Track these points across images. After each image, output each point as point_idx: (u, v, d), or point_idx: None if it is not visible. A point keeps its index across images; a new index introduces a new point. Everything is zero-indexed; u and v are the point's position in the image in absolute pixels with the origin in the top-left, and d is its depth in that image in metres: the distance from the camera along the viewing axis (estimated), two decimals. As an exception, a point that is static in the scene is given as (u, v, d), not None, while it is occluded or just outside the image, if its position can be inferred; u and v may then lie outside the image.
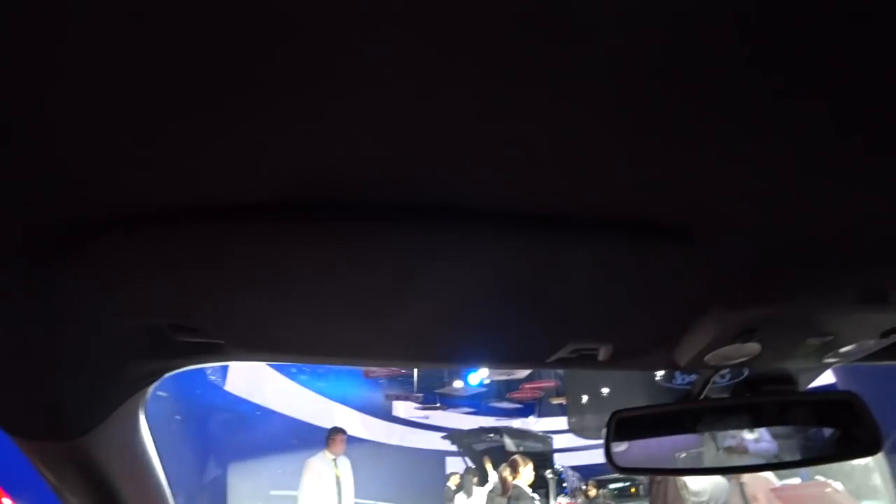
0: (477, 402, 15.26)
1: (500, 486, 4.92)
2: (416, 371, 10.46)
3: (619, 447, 0.63)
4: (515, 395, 12.99)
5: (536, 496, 4.82)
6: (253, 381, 9.00)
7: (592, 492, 4.81)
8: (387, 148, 0.41)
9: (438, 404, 11.93)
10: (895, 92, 0.35)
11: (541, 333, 0.67)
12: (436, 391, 12.43)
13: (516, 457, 5.13)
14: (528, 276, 0.55)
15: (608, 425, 0.63)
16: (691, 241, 0.51)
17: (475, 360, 0.64)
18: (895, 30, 0.30)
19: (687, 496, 4.37)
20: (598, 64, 0.33)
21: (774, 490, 3.02)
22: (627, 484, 7.46)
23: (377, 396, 11.69)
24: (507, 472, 4.74)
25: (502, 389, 13.53)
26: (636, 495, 7.03)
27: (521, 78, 0.34)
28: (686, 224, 0.50)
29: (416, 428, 13.97)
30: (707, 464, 0.70)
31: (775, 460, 0.68)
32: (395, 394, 11.17)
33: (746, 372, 0.64)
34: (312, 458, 3.96)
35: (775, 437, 0.63)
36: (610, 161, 0.43)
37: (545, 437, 7.70)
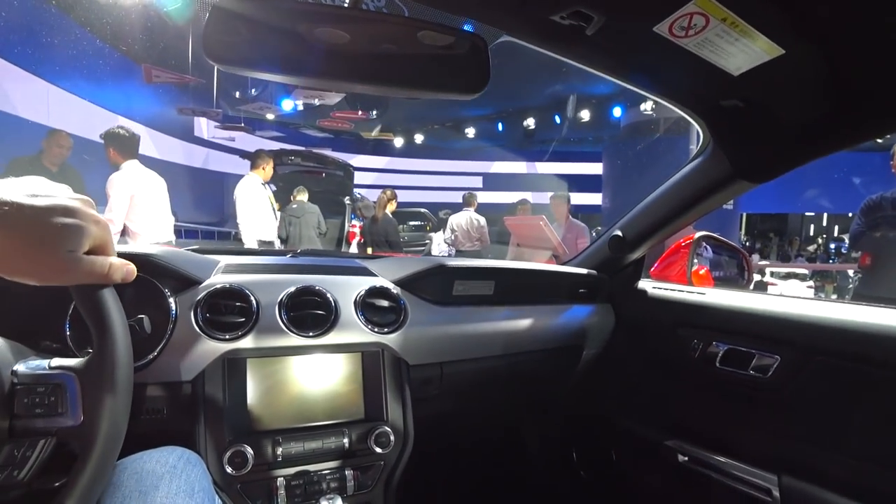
0: (286, 128, 14.87)
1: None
2: (215, 79, 9.29)
3: (222, 37, 0.54)
4: (325, 123, 12.99)
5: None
6: None
7: (392, 205, 5.48)
8: None
9: (242, 124, 11.24)
10: None
11: None
12: (239, 108, 11.58)
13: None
14: None
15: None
16: None
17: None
18: None
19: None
20: None
21: (506, 219, 4.09)
22: (424, 223, 9.00)
23: (170, 111, 10.39)
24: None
25: (313, 116, 13.29)
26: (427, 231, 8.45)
27: None
28: None
29: (221, 151, 13.34)
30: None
31: (382, 78, 0.64)
32: (189, 108, 9.88)
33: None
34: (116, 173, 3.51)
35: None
36: None
37: (345, 164, 8.14)
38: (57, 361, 0.51)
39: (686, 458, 1.16)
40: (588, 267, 1.38)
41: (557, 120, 14.17)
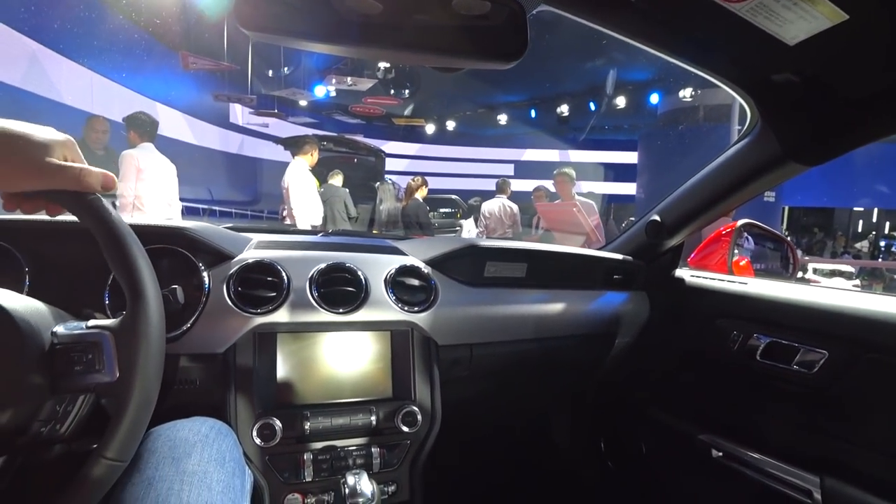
0: (318, 115, 15.04)
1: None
2: (249, 66, 9.46)
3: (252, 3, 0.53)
4: (357, 109, 13.06)
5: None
6: (33, 66, 7.22)
7: (423, 192, 5.50)
8: None
9: (276, 110, 11.43)
10: None
11: None
12: (273, 94, 11.76)
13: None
14: None
15: None
16: None
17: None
18: None
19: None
20: None
21: (538, 205, 4.03)
22: (454, 210, 9.01)
23: (206, 98, 10.65)
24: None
25: (345, 102, 13.37)
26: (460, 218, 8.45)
27: None
28: None
29: (256, 137, 13.62)
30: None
31: (415, 46, 0.60)
32: (225, 94, 10.14)
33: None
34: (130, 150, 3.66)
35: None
36: None
37: (377, 150, 8.19)
38: (93, 322, 0.53)
39: (721, 454, 1.12)
40: (623, 253, 1.34)
41: (592, 107, 13.84)
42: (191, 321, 0.85)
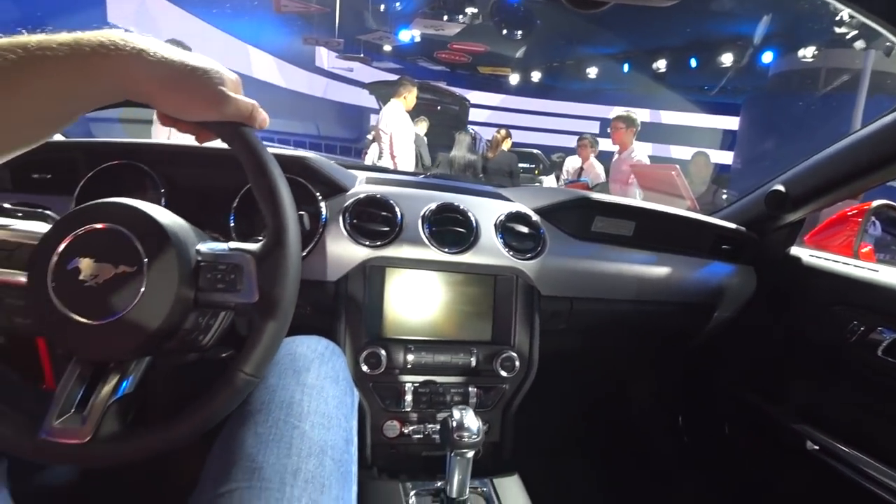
0: (402, 60, 14.90)
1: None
2: (337, 8, 9.47)
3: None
4: (443, 55, 12.80)
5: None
6: (142, 12, 7.74)
7: (507, 144, 5.40)
8: None
9: (362, 54, 11.46)
10: None
11: None
12: (359, 37, 11.76)
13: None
14: None
15: None
16: None
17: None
18: None
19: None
20: None
21: (632, 165, 3.78)
22: (532, 165, 8.73)
23: (296, 42, 10.89)
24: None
25: (430, 48, 13.12)
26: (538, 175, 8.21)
27: None
28: None
29: (340, 82, 13.82)
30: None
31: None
32: (314, 37, 10.28)
33: None
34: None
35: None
36: None
37: (462, 98, 8.02)
38: (235, 244, 0.55)
39: (816, 448, 1.06)
40: (736, 222, 1.25)
41: (693, 63, 12.65)
42: (307, 249, 0.90)
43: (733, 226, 1.24)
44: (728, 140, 12.08)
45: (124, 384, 0.51)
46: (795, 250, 1.24)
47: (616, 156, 4.09)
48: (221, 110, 0.51)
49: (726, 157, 11.71)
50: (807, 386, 1.17)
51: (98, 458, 0.49)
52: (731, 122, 12.30)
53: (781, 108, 9.48)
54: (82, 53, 0.42)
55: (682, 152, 10.67)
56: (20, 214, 0.62)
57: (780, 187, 1.15)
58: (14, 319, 0.53)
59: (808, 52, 9.21)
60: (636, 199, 1.21)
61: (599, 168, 4.79)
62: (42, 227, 0.53)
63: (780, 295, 1.23)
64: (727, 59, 11.65)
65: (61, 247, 0.49)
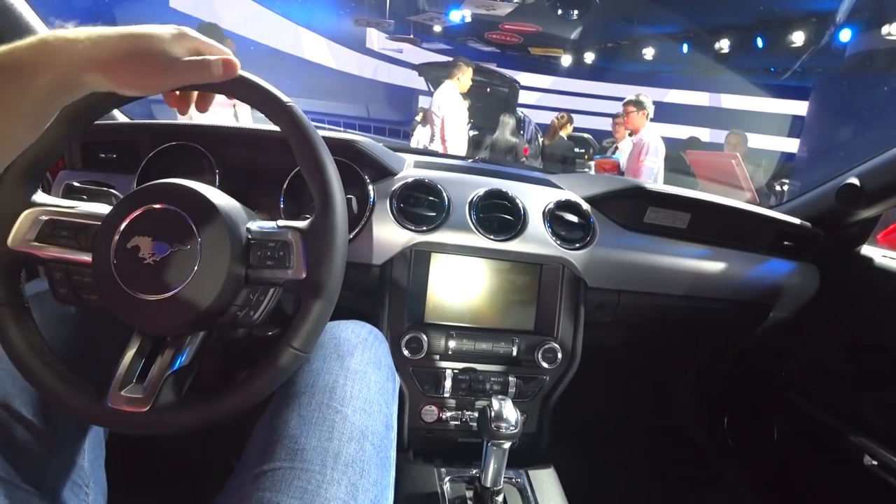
0: (452, 41, 14.74)
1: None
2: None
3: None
4: (493, 36, 12.55)
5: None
6: None
7: (568, 129, 5.24)
8: None
9: (411, 35, 11.42)
10: None
11: None
12: (409, 18, 11.72)
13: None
14: None
15: None
16: None
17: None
18: None
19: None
20: None
21: (689, 153, 3.62)
22: (583, 150, 8.47)
23: (346, 23, 11.00)
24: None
25: (480, 29, 12.90)
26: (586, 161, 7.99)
27: None
28: None
29: (389, 63, 13.86)
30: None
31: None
32: (364, 18, 10.33)
33: None
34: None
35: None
36: None
37: (512, 81, 7.87)
38: (283, 222, 0.56)
39: (875, 463, 0.99)
40: (801, 217, 1.18)
41: (759, 44, 11.84)
42: (354, 232, 0.92)
43: (798, 221, 1.16)
44: (795, 127, 11.29)
45: (180, 357, 0.54)
46: (867, 249, 1.15)
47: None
48: (174, 76, 0.49)
49: (791, 146, 10.98)
50: (870, 396, 1.09)
51: (157, 426, 0.52)
52: (799, 108, 11.48)
53: (859, 93, 8.72)
54: (14, 59, 0.41)
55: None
56: (85, 197, 0.66)
57: (855, 181, 1.06)
58: (82, 296, 0.56)
59: (894, 29, 8.38)
60: (692, 191, 1.15)
61: None
62: (104, 209, 0.56)
63: (846, 296, 1.15)
64: (798, 37, 10.80)
65: (122, 227, 0.52)
